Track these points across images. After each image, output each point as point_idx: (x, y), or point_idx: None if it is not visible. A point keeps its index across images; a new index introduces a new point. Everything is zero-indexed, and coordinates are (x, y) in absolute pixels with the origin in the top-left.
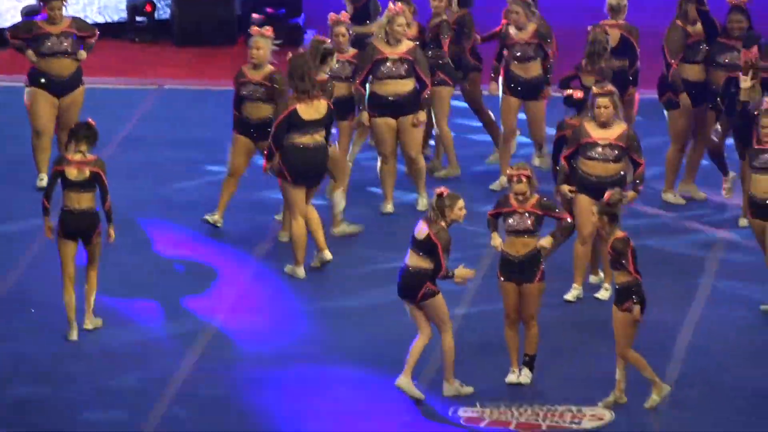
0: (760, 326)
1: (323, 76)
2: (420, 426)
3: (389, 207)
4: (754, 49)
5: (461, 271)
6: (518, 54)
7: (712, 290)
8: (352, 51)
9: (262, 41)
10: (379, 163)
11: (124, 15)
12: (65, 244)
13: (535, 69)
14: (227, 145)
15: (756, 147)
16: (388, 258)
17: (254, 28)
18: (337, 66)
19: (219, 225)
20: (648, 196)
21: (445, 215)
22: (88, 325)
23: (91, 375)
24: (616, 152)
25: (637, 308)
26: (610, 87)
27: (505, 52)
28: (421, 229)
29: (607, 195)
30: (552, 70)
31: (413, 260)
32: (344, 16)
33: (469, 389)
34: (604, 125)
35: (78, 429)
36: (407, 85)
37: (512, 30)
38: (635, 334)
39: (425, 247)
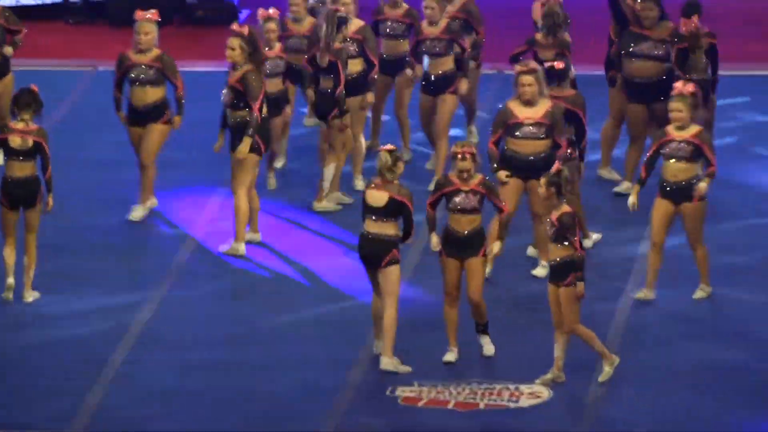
0: (693, 301)
1: (338, 44)
2: (358, 406)
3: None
4: (695, 18)
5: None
6: (429, 50)
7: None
8: (278, 45)
9: (149, 26)
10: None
11: None
12: (7, 212)
13: (446, 64)
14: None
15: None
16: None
17: (138, 13)
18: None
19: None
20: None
21: (395, 171)
22: (28, 298)
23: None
24: (544, 130)
25: (581, 284)
26: (533, 65)
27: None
28: (376, 195)
29: (555, 166)
30: (479, 52)
31: (375, 227)
32: (274, 12)
33: (407, 368)
34: (528, 103)
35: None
36: (357, 66)
37: (424, 24)
38: (580, 308)
39: (389, 212)
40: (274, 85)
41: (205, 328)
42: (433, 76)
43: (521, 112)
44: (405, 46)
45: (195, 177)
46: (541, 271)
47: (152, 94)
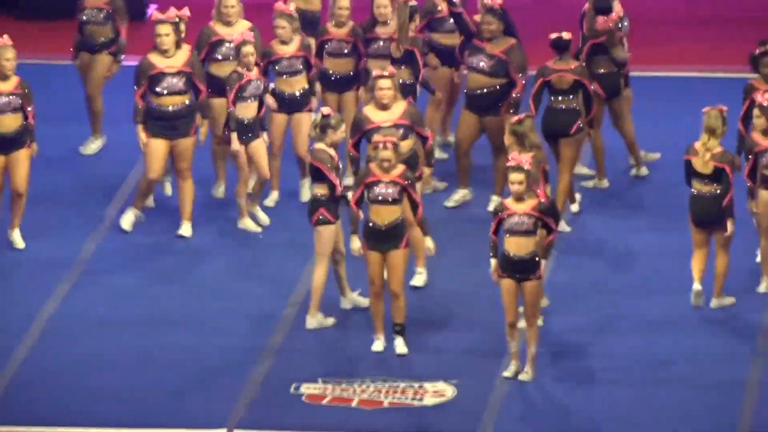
0: (613, 292)
1: (412, 33)
2: (262, 403)
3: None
4: (613, 13)
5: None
6: (283, 69)
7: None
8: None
9: (11, 52)
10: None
11: None
12: None
13: (299, 83)
14: (70, 123)
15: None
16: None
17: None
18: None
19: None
20: None
21: (326, 135)
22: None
23: None
24: (402, 131)
25: (544, 262)
26: (392, 69)
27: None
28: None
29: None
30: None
31: (313, 188)
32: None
33: (331, 320)
34: (385, 108)
35: None
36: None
37: (275, 44)
38: None
39: (314, 173)
40: (251, 110)
41: (115, 312)
42: (286, 94)
43: (377, 116)
44: (351, 64)
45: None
46: (419, 280)
47: (13, 122)
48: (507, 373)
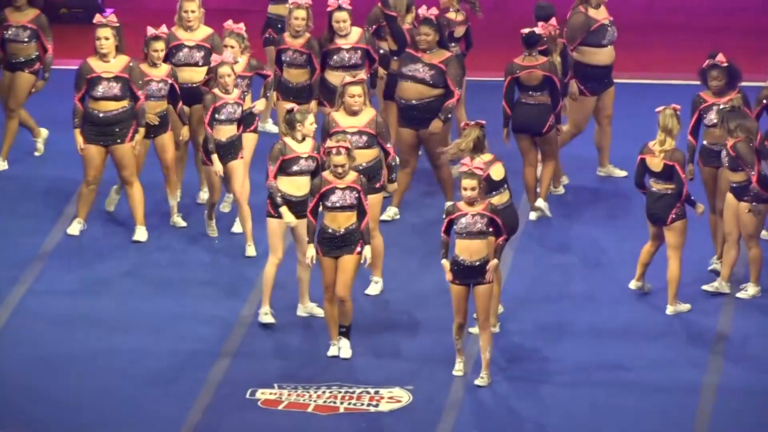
0: (551, 303)
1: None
2: (217, 407)
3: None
4: (552, 20)
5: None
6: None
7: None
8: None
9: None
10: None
11: None
12: None
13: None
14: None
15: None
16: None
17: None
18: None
19: None
20: None
21: (295, 130)
22: None
23: None
24: (366, 138)
25: (495, 261)
26: (362, 76)
27: None
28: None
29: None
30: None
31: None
32: (162, 32)
33: (269, 318)
34: (354, 114)
35: None
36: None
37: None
38: None
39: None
40: (227, 132)
41: (68, 314)
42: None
43: (344, 121)
44: (307, 74)
45: None
46: (374, 289)
47: None
48: (456, 372)
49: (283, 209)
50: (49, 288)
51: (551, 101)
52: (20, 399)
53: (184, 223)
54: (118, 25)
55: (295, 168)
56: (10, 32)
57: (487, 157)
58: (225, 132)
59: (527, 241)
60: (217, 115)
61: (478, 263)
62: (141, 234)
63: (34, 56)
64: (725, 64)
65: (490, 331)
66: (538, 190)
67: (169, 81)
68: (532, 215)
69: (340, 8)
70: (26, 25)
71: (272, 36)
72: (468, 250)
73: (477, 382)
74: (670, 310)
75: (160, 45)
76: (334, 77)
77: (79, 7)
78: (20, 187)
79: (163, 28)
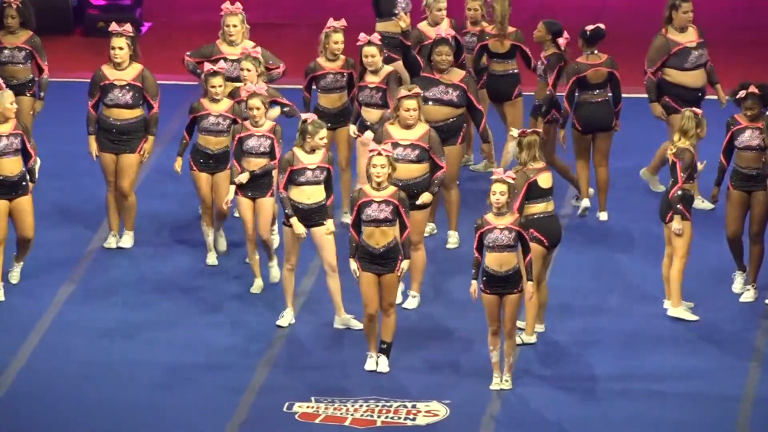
0: (586, 314)
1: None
2: (255, 421)
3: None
4: (565, 33)
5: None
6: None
7: None
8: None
9: None
10: None
11: None
12: None
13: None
14: (61, 138)
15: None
16: None
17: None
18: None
19: None
20: None
21: (304, 141)
22: None
23: None
24: (418, 152)
25: (530, 284)
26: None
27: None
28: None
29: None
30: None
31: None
32: (261, 88)
33: (282, 320)
34: (408, 128)
35: None
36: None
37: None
38: None
39: None
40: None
41: (106, 326)
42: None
43: (397, 133)
44: (344, 98)
45: None
46: (412, 303)
47: None
48: (493, 386)
49: (293, 220)
50: (86, 299)
51: (613, 97)
52: (59, 407)
53: (223, 248)
54: (132, 34)
55: (301, 179)
56: (4, 54)
57: (539, 164)
58: (254, 164)
59: (565, 251)
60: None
61: (507, 273)
62: (127, 240)
63: (30, 78)
64: (758, 93)
65: (515, 340)
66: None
67: (229, 116)
68: (584, 203)
69: (369, 43)
70: (21, 47)
71: (389, 55)
72: (498, 261)
73: (501, 385)
74: (667, 304)
75: (218, 81)
76: (364, 113)
77: (117, 21)
78: (57, 199)
79: (221, 64)
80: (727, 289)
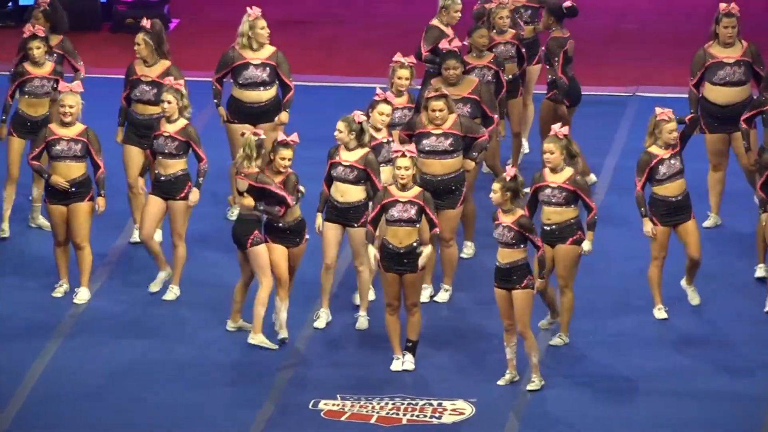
0: (613, 314)
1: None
2: (280, 419)
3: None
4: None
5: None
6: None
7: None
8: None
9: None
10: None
11: None
12: None
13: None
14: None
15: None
16: None
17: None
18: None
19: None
20: None
21: (260, 155)
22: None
23: None
24: (450, 140)
25: (540, 281)
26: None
27: None
28: (241, 183)
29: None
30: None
31: (243, 210)
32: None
33: (270, 343)
34: (438, 126)
35: None
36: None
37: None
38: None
39: (254, 195)
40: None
41: (131, 335)
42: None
43: (429, 126)
44: None
45: None
46: (444, 296)
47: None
48: (501, 381)
49: (318, 215)
50: (112, 298)
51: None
52: (85, 405)
53: None
54: (152, 31)
55: (333, 173)
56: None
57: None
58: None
59: (594, 249)
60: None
61: (509, 267)
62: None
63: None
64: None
65: (533, 337)
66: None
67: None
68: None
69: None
70: (52, 50)
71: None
72: (502, 254)
73: (529, 386)
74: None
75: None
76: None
77: (144, 18)
78: None
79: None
80: (754, 288)
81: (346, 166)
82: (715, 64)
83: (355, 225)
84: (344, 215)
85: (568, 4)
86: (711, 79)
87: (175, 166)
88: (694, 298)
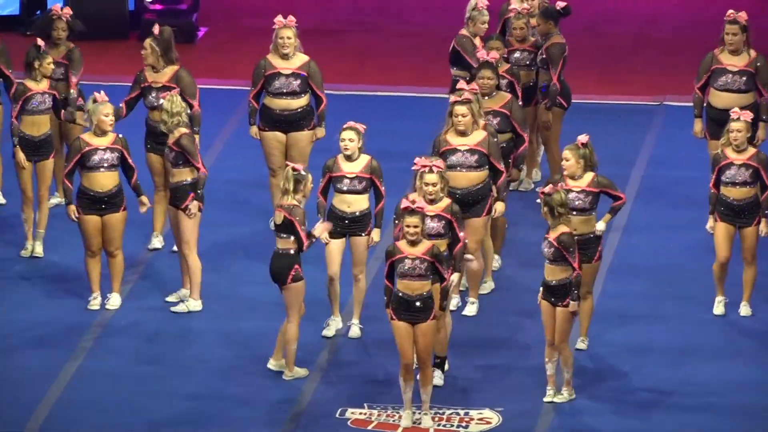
0: (641, 323)
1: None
2: (307, 428)
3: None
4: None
5: (319, 228)
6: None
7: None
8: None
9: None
10: (269, 178)
11: (16, 8)
12: None
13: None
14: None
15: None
16: None
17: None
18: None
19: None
20: None
21: (298, 190)
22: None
23: None
24: (476, 157)
25: (574, 304)
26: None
27: None
28: (277, 215)
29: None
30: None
31: (280, 244)
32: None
33: (303, 372)
34: (462, 134)
35: None
36: (300, 101)
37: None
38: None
39: (286, 229)
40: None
41: (152, 345)
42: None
43: (455, 140)
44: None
45: None
46: (471, 309)
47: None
48: (546, 398)
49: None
50: (140, 304)
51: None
52: (111, 408)
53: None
54: (159, 37)
55: (339, 187)
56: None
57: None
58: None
59: (618, 262)
60: None
61: (557, 283)
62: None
63: (70, 92)
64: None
65: (568, 354)
66: None
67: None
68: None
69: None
70: (59, 62)
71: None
72: (551, 271)
73: (557, 398)
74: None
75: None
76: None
77: (173, 26)
78: None
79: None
80: None
81: (352, 179)
82: (719, 70)
83: (362, 234)
84: (349, 226)
85: (562, 4)
86: (713, 84)
87: (179, 176)
88: (742, 309)
